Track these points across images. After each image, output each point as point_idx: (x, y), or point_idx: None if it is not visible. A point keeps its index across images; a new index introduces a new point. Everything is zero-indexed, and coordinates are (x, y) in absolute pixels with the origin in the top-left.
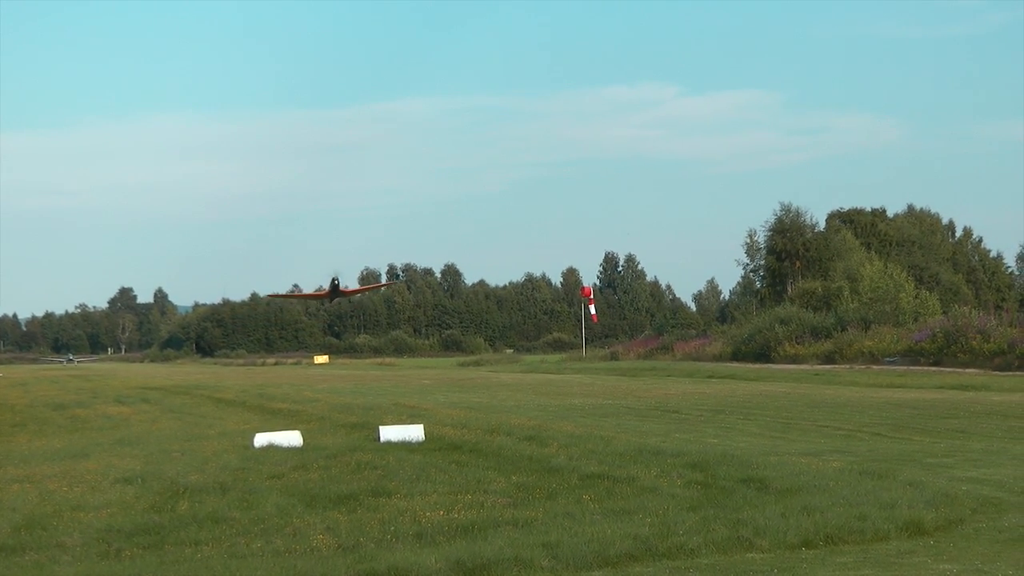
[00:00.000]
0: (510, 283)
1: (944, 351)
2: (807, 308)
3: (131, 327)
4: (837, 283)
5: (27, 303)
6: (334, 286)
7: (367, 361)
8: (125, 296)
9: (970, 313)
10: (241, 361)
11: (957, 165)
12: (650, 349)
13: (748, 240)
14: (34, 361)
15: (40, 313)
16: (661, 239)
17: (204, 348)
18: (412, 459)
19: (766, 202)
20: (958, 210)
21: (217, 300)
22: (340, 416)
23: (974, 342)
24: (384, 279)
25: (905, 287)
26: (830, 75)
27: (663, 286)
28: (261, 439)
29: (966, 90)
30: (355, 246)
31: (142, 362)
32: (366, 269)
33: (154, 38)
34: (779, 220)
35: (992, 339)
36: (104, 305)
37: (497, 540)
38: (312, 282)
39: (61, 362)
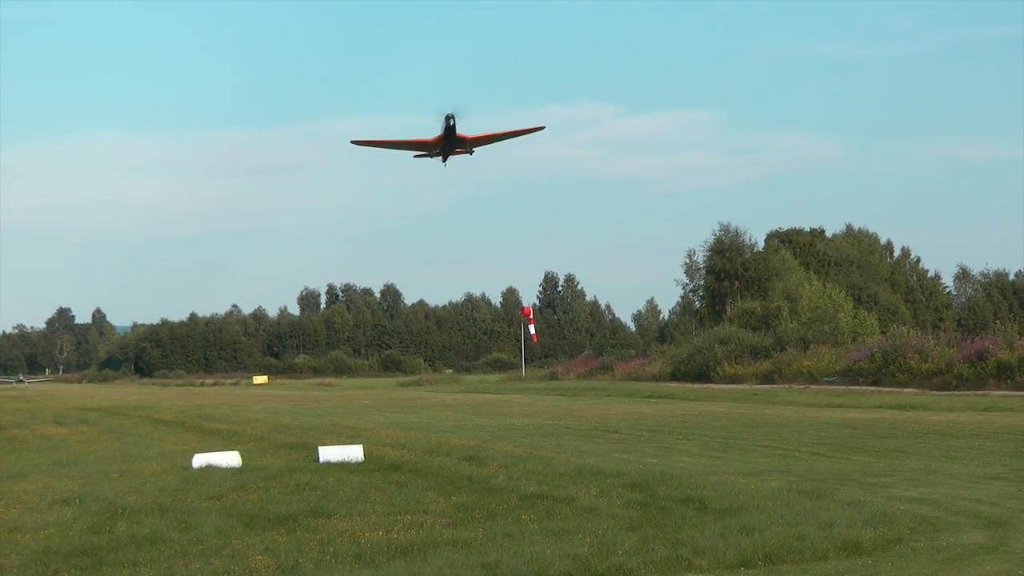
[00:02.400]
0: (450, 303)
1: (882, 371)
2: (746, 328)
3: (69, 347)
4: (776, 303)
5: None
6: (449, 127)
7: (306, 381)
8: (63, 316)
9: (908, 333)
10: (180, 381)
11: (895, 185)
12: (590, 369)
13: (687, 260)
14: None
15: None
16: (601, 259)
17: (143, 368)
18: (351, 480)
19: (705, 222)
20: (896, 230)
21: (156, 320)
22: (279, 437)
23: (912, 362)
24: (323, 300)
25: (844, 307)
26: (769, 95)
27: (603, 306)
28: (200, 460)
29: (904, 110)
30: (294, 266)
31: (80, 383)
32: (305, 289)
33: (92, 56)
34: (718, 240)
35: (930, 359)
36: (42, 325)
37: (436, 560)
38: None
39: (11, 383)
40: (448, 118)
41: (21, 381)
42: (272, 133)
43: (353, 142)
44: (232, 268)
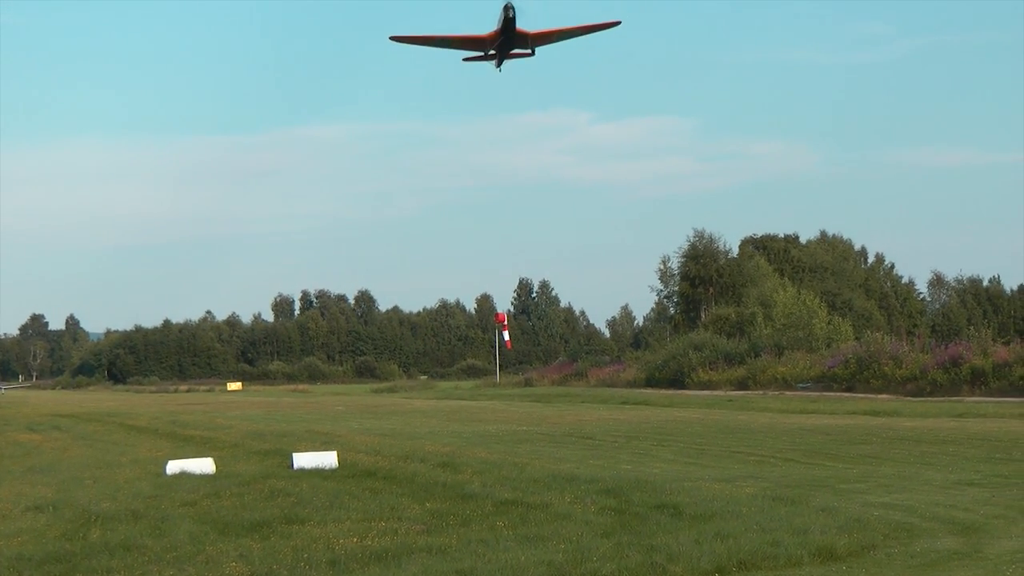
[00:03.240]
0: (424, 309)
1: (857, 377)
2: (721, 334)
3: (42, 354)
4: (751, 309)
5: None
6: (508, 19)
7: (280, 388)
8: (36, 323)
9: (882, 339)
10: (153, 388)
11: (869, 191)
12: (564, 375)
13: (662, 266)
14: None
15: None
16: (575, 265)
17: (116, 375)
18: (326, 486)
19: (680, 228)
20: (870, 236)
21: (129, 327)
22: (253, 443)
23: (886, 368)
24: (297, 306)
25: (818, 313)
26: (743, 102)
27: (577, 312)
28: (173, 466)
29: (877, 117)
30: (269, 272)
31: (54, 389)
32: (280, 295)
33: (66, 62)
34: (692, 246)
35: (904, 365)
36: (15, 332)
37: (411, 567)
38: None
39: None
40: (507, 8)
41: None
42: (246, 140)
43: (392, 38)
44: (206, 274)
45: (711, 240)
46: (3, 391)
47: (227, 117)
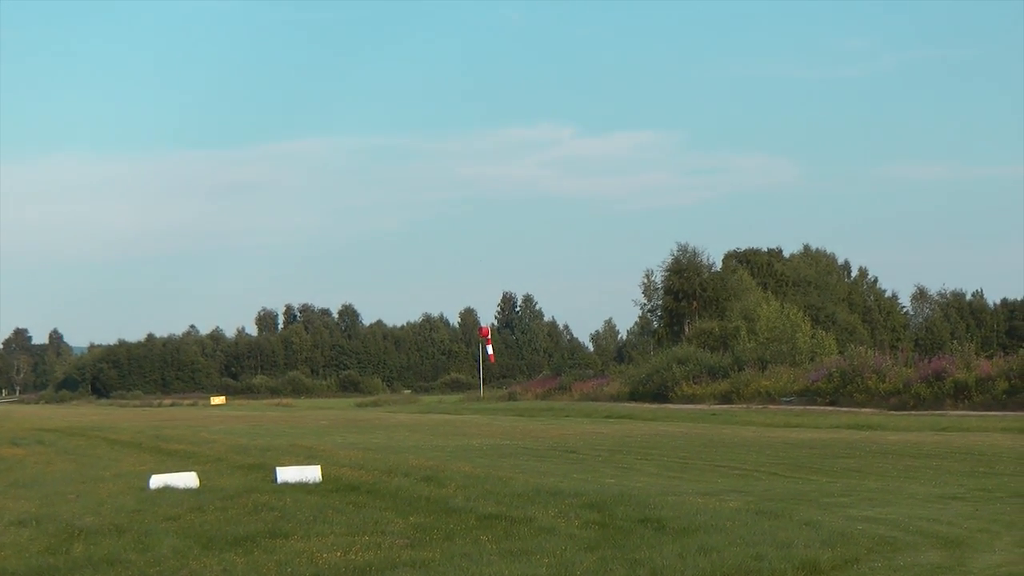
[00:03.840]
0: (408, 323)
1: (840, 391)
2: (704, 348)
3: (26, 368)
4: (734, 323)
5: None
6: None
7: (264, 402)
8: (19, 337)
9: (866, 353)
10: (137, 402)
11: (852, 205)
12: (548, 389)
13: (645, 280)
14: None
15: None
16: (559, 279)
17: (100, 389)
18: (309, 500)
19: (663, 242)
20: (854, 250)
21: (113, 341)
22: (237, 457)
23: (870, 382)
24: (281, 320)
25: (801, 327)
26: (725, 116)
27: (560, 326)
28: (157, 481)
29: (860, 131)
30: (252, 286)
31: (37, 403)
32: (263, 309)
33: (48, 75)
34: (676, 260)
35: (888, 379)
36: None
37: None
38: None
39: None
40: None
41: None
42: (229, 154)
43: None
44: (189, 288)
45: (694, 254)
46: None
47: (210, 131)
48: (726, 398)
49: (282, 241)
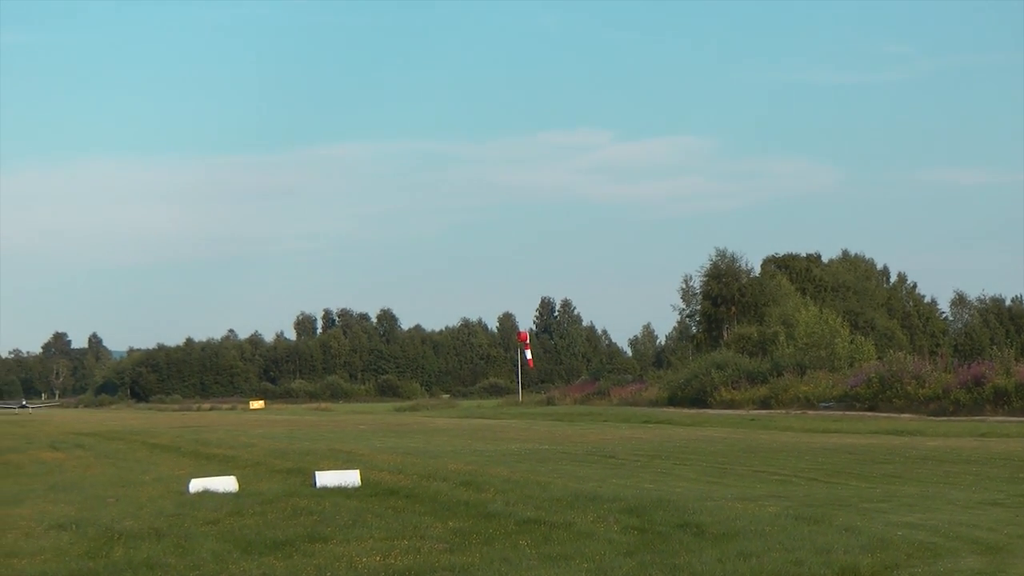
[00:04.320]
0: (446, 328)
1: (879, 396)
2: (743, 353)
3: (65, 372)
4: (773, 328)
5: None
6: None
7: (303, 406)
8: (59, 341)
9: (905, 358)
10: (176, 406)
11: (891, 211)
12: (586, 394)
13: (684, 285)
14: None
15: None
16: (597, 284)
17: (139, 393)
18: (348, 504)
19: (702, 247)
20: (892, 256)
21: (152, 345)
22: (276, 461)
23: (909, 387)
24: (320, 325)
25: (840, 332)
26: (764, 121)
27: (599, 331)
28: (196, 485)
29: (900, 136)
30: (290, 290)
31: (76, 407)
32: (302, 313)
33: (89, 81)
34: (714, 265)
35: (927, 384)
36: (38, 350)
37: None
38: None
39: (13, 407)
40: None
41: (24, 407)
42: (268, 159)
43: None
44: (228, 293)
45: (733, 259)
46: (29, 409)
47: (249, 136)
48: (765, 403)
49: (321, 246)
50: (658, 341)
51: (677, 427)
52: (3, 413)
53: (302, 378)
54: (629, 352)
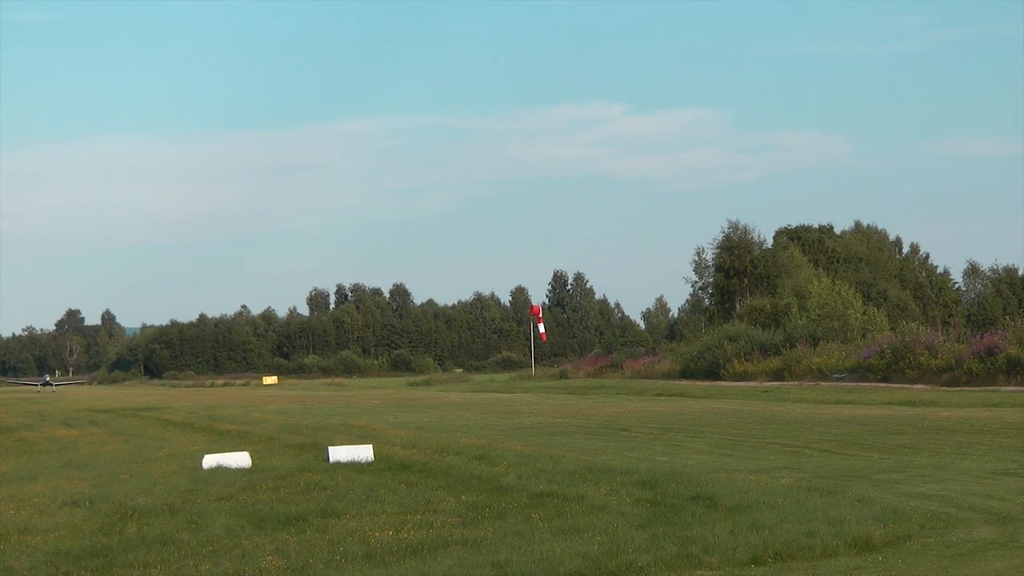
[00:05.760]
0: (459, 302)
1: (892, 367)
2: (756, 325)
3: (79, 349)
4: (785, 300)
5: None
6: None
7: (316, 381)
8: (72, 318)
9: (918, 329)
10: (189, 383)
11: (904, 181)
12: (599, 367)
13: (696, 258)
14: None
15: None
16: (610, 257)
17: (152, 370)
18: (361, 479)
19: (714, 220)
20: (905, 226)
21: (165, 321)
22: (289, 437)
23: (922, 358)
24: (333, 300)
25: (853, 304)
26: (776, 93)
27: (612, 304)
28: (210, 460)
29: (912, 107)
30: (303, 266)
31: (90, 384)
32: (315, 289)
33: (99, 60)
34: (727, 238)
35: (940, 355)
36: (51, 327)
37: (447, 560)
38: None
39: (36, 385)
40: None
41: (48, 384)
42: (280, 134)
43: None
44: (241, 269)
45: (745, 231)
46: (53, 388)
47: (260, 112)
48: (778, 375)
49: (333, 221)
50: (671, 314)
51: (690, 399)
52: (25, 390)
53: (315, 353)
54: (642, 325)
